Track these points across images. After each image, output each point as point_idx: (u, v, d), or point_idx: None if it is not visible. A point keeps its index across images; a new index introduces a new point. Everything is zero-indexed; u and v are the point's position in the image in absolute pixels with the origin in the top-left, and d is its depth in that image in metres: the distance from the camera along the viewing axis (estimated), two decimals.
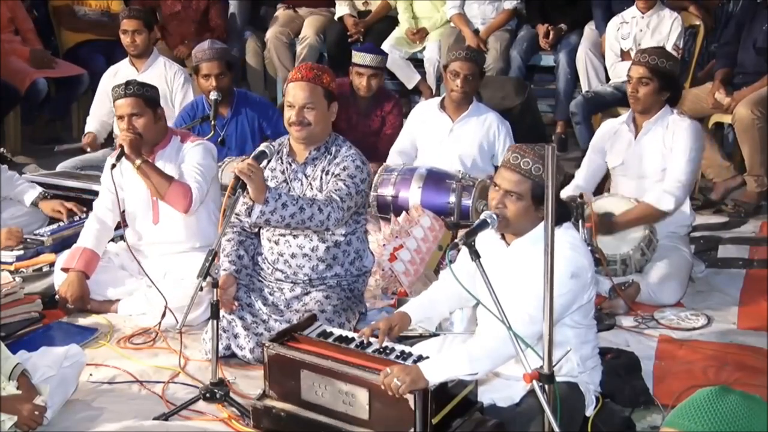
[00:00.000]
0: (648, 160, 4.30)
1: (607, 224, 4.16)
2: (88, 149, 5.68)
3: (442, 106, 5.05)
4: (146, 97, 4.01)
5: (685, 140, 4.21)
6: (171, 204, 3.99)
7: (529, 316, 2.71)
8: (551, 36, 6.45)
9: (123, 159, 3.92)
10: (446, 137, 4.98)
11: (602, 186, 4.69)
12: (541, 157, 2.81)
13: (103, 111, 5.77)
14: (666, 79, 4.22)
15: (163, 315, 3.82)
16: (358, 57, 5.40)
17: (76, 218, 4.71)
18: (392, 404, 2.75)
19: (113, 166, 3.92)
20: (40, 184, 4.96)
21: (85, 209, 4.67)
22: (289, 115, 3.63)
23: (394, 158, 5.10)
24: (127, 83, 4.03)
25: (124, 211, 4.18)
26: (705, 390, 1.65)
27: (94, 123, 5.82)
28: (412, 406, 2.72)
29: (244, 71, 7.34)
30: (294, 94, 3.62)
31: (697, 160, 4.32)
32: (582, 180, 4.47)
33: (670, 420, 1.65)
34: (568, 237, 2.85)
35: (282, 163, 3.76)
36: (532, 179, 2.82)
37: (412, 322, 3.16)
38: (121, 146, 3.90)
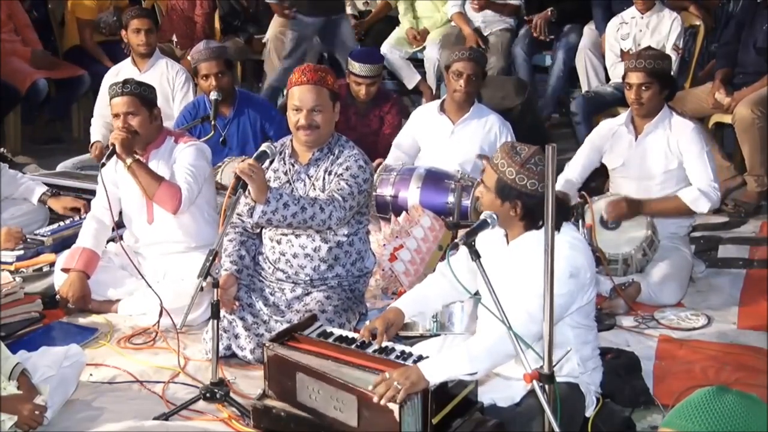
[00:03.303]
0: (650, 161, 4.30)
1: (636, 205, 4.18)
2: (95, 159, 5.66)
3: (443, 108, 5.04)
4: (142, 96, 4.00)
5: (696, 143, 4.21)
6: (160, 204, 3.99)
7: (528, 315, 2.72)
8: (543, 25, 6.46)
9: (115, 158, 3.93)
10: (447, 139, 4.97)
11: (602, 186, 4.69)
12: (508, 154, 2.88)
13: (107, 112, 5.76)
14: (664, 79, 4.24)
15: (160, 315, 3.82)
16: (355, 67, 5.33)
17: (77, 218, 4.71)
18: (379, 413, 2.74)
19: (102, 164, 3.91)
20: None
21: (84, 215, 4.67)
22: (297, 118, 3.62)
23: (394, 152, 5.09)
24: (125, 82, 4.04)
25: (120, 212, 4.18)
26: (702, 390, 1.66)
27: (99, 126, 5.81)
28: (397, 417, 2.70)
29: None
30: (301, 97, 3.60)
31: (712, 160, 4.32)
32: (573, 175, 4.45)
33: (667, 420, 1.66)
34: (567, 237, 2.86)
35: (285, 163, 3.76)
36: (497, 173, 2.89)
37: (405, 317, 3.17)
38: (113, 144, 3.90)
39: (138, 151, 3.98)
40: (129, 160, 3.90)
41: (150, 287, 3.80)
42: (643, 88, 4.21)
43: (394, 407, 2.70)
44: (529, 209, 2.86)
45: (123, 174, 4.06)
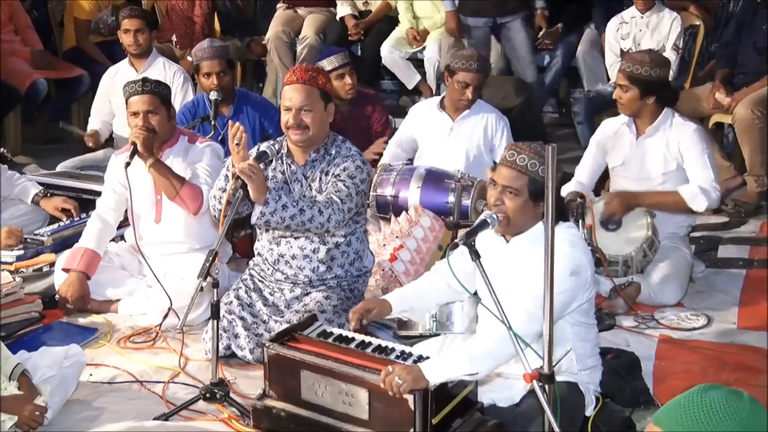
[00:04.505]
0: (650, 162, 4.30)
1: (631, 197, 4.19)
2: (91, 144, 5.69)
3: (442, 105, 5.04)
4: (161, 95, 4.03)
5: (697, 144, 4.21)
6: (182, 205, 3.98)
7: (528, 314, 2.72)
8: (549, 36, 6.47)
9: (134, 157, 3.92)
10: (447, 136, 4.98)
11: (602, 186, 4.69)
12: (537, 153, 2.84)
13: (105, 111, 5.78)
14: (647, 86, 4.20)
15: (166, 315, 3.82)
16: (327, 64, 5.24)
17: (77, 218, 4.71)
18: (392, 404, 2.75)
19: (128, 164, 3.89)
20: (40, 184, 4.96)
21: (84, 215, 4.66)
22: (287, 118, 3.61)
23: (392, 150, 5.08)
24: (144, 80, 4.05)
25: (127, 210, 4.18)
26: (691, 390, 1.66)
27: (96, 123, 5.82)
28: (412, 407, 2.72)
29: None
30: (290, 97, 3.60)
31: (713, 161, 4.32)
32: (584, 178, 4.47)
33: (656, 417, 1.67)
34: (567, 234, 2.86)
35: (282, 163, 3.76)
36: (529, 175, 2.84)
37: (393, 311, 3.18)
38: (134, 144, 3.90)
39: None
40: (150, 160, 3.90)
41: (162, 287, 3.79)
42: (622, 89, 4.24)
43: (409, 397, 2.71)
44: (558, 206, 2.79)
45: (132, 173, 4.04)
